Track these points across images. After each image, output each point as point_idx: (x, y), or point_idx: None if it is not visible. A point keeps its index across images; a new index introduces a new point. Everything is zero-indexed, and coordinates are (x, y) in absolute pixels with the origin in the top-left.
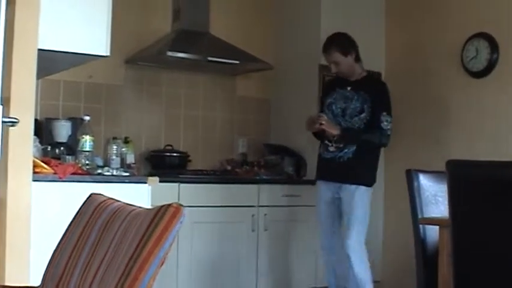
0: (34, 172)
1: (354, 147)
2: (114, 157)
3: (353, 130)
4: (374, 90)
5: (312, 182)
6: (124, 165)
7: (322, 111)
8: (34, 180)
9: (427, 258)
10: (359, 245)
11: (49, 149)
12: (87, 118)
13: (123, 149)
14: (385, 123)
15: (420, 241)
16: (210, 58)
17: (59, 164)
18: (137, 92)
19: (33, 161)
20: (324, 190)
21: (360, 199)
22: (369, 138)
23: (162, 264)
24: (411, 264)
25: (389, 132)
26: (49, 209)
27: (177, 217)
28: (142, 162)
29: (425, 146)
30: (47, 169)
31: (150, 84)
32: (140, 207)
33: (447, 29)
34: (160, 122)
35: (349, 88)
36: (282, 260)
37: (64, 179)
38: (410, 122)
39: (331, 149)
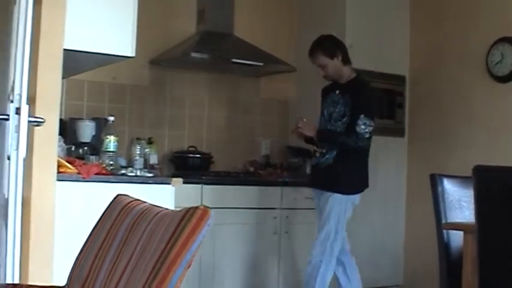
0: (58, 172)
1: (335, 153)
2: (137, 158)
3: (329, 132)
4: (354, 92)
5: None
6: (147, 166)
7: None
8: (58, 180)
9: (450, 263)
10: (323, 249)
11: (73, 149)
12: (111, 119)
13: (147, 150)
14: (362, 126)
15: (444, 246)
16: (234, 60)
17: (83, 164)
18: (161, 92)
19: (58, 161)
20: (313, 195)
21: (332, 207)
22: (344, 141)
23: (189, 266)
24: (432, 268)
25: (366, 136)
26: (72, 208)
27: (204, 219)
28: (165, 163)
29: (448, 150)
30: (71, 169)
31: (173, 85)
32: (166, 208)
33: (472, 33)
34: (184, 123)
35: (337, 92)
36: (303, 262)
37: (88, 179)
38: (434, 125)
39: (317, 154)
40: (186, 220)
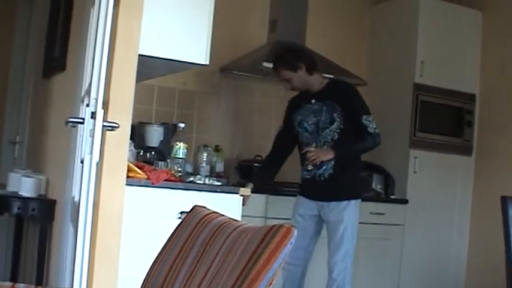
0: (127, 176)
1: (332, 162)
2: (204, 165)
3: (344, 146)
4: (341, 96)
5: (400, 201)
6: (213, 173)
7: (287, 129)
8: (127, 185)
9: None
10: (345, 264)
11: (141, 154)
12: (182, 125)
13: (213, 157)
14: (371, 125)
15: None
16: None
17: (153, 169)
18: (230, 100)
19: (128, 166)
20: (303, 204)
21: (351, 215)
22: (362, 147)
23: (270, 284)
24: None
25: (378, 131)
26: (140, 214)
27: (288, 238)
28: (231, 171)
29: None
30: (140, 174)
31: (243, 93)
32: (245, 223)
33: None
34: (252, 132)
35: (313, 101)
36: (365, 276)
37: (157, 185)
38: (503, 145)
39: (309, 167)
40: (270, 237)
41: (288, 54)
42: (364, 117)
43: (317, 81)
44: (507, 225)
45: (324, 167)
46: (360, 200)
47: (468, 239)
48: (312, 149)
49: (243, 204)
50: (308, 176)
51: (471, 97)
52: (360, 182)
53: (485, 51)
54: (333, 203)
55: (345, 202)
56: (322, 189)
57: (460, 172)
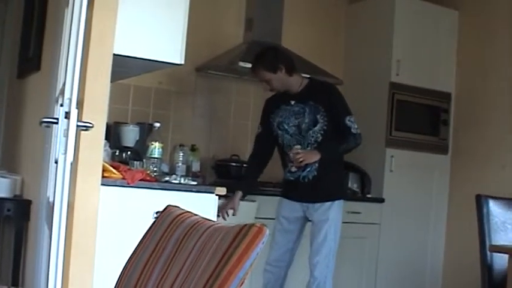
0: (103, 176)
1: (316, 164)
2: (180, 164)
3: (329, 147)
4: (324, 97)
5: (377, 200)
6: (189, 173)
7: (265, 130)
8: (102, 185)
9: (493, 285)
10: (327, 263)
11: (117, 153)
12: (157, 125)
13: (189, 157)
14: (354, 126)
15: (487, 268)
16: None
17: (128, 169)
18: (206, 100)
19: (103, 166)
20: (287, 206)
21: (335, 215)
22: (345, 147)
23: (241, 284)
24: None
25: (359, 131)
26: (115, 214)
27: (259, 237)
28: (207, 170)
29: (493, 170)
30: (115, 174)
31: (219, 93)
32: (218, 222)
33: None
34: (228, 131)
35: (293, 102)
36: (341, 275)
37: (132, 185)
38: (478, 144)
39: (293, 169)
40: (241, 237)
41: (267, 55)
42: (348, 118)
43: (296, 82)
44: (482, 223)
45: (308, 169)
46: (343, 200)
47: (444, 238)
48: (300, 150)
49: (234, 214)
50: (292, 178)
51: (447, 96)
52: (344, 182)
53: (461, 51)
54: (317, 204)
55: (329, 203)
56: (306, 191)
57: (436, 171)
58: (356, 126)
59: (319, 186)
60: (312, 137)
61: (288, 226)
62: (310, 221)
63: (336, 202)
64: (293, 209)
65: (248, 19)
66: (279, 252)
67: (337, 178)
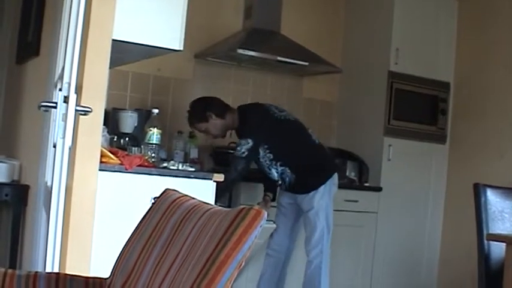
0: (101, 162)
1: (287, 171)
2: (178, 151)
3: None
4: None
5: (374, 189)
6: (187, 159)
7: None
8: (100, 170)
9: (490, 274)
10: (320, 247)
11: (115, 139)
12: (155, 111)
13: (188, 144)
14: (238, 148)
15: (484, 257)
16: (279, 58)
17: (126, 155)
18: (205, 87)
19: (101, 151)
20: (282, 194)
21: (320, 200)
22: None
23: (240, 267)
24: (467, 278)
25: (238, 154)
26: (113, 199)
27: (257, 220)
28: (205, 157)
29: (490, 159)
30: (113, 159)
31: (218, 80)
32: (216, 206)
33: None
34: None
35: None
36: (338, 263)
37: (130, 171)
38: (476, 133)
39: (282, 187)
40: (240, 220)
41: (195, 108)
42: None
43: (233, 120)
44: (479, 212)
45: (286, 180)
46: (325, 182)
47: (441, 227)
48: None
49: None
50: (284, 189)
51: (445, 85)
52: (319, 168)
53: (460, 40)
54: (303, 195)
55: (313, 192)
56: (292, 188)
57: (434, 160)
58: (239, 149)
59: (301, 183)
60: (272, 167)
61: (285, 211)
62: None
63: (320, 189)
64: (286, 196)
65: (247, 6)
66: (279, 237)
67: (312, 169)
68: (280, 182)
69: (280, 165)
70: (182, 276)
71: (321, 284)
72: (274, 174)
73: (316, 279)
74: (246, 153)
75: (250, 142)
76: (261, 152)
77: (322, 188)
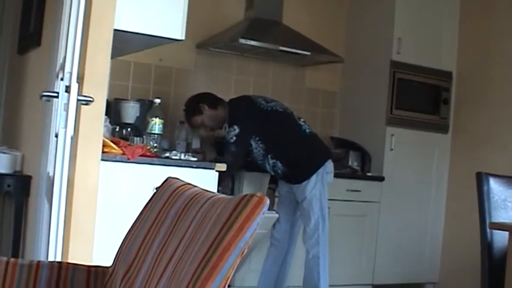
0: (103, 152)
1: (278, 163)
2: (180, 141)
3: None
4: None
5: (377, 178)
6: (190, 149)
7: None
8: (102, 160)
9: (493, 263)
10: (317, 236)
11: (117, 130)
12: (157, 101)
13: (190, 134)
14: (228, 135)
15: (487, 246)
16: (281, 48)
17: (128, 145)
18: (207, 77)
19: (103, 141)
20: (281, 183)
21: (312, 189)
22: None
23: (242, 254)
24: (469, 267)
25: (231, 141)
26: (115, 189)
27: (260, 207)
28: (207, 148)
29: (492, 148)
30: (116, 149)
31: (220, 70)
32: (218, 194)
33: None
34: None
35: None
36: (341, 253)
37: (132, 161)
38: (479, 123)
39: (273, 173)
40: (242, 207)
41: (188, 103)
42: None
43: (225, 112)
44: (482, 201)
45: (279, 171)
46: (317, 171)
47: (444, 216)
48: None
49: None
50: (284, 181)
51: (448, 75)
52: (309, 158)
53: (462, 29)
54: (296, 185)
55: (305, 182)
56: (286, 178)
57: (436, 149)
58: (231, 136)
59: (292, 172)
60: (267, 160)
61: (284, 200)
62: None
63: (312, 178)
64: (285, 185)
65: None
66: (281, 226)
67: (302, 159)
68: (273, 174)
69: (271, 158)
70: (185, 263)
71: (319, 274)
72: (267, 166)
73: (315, 270)
74: (234, 138)
75: (237, 129)
76: (253, 143)
77: (314, 177)
